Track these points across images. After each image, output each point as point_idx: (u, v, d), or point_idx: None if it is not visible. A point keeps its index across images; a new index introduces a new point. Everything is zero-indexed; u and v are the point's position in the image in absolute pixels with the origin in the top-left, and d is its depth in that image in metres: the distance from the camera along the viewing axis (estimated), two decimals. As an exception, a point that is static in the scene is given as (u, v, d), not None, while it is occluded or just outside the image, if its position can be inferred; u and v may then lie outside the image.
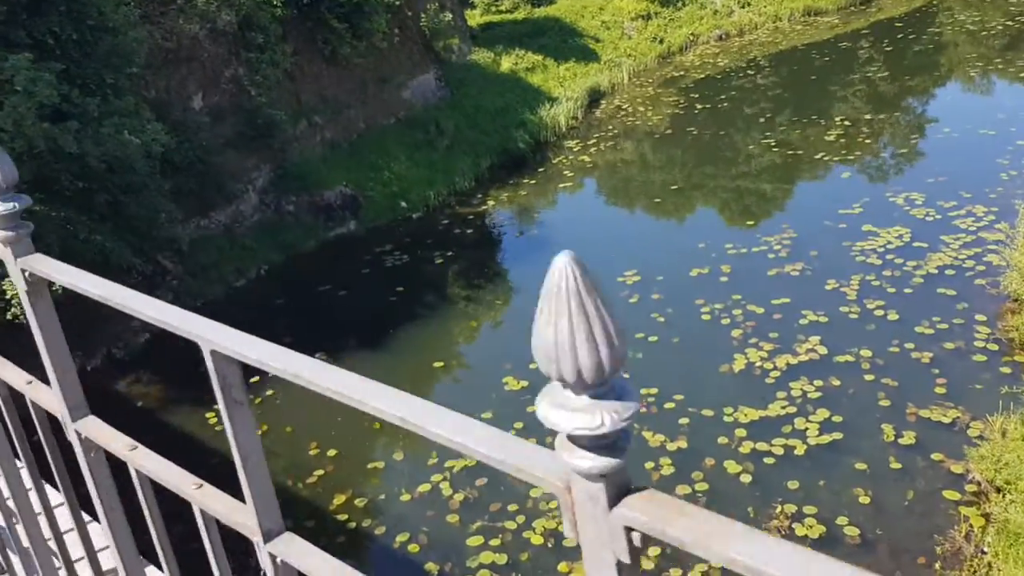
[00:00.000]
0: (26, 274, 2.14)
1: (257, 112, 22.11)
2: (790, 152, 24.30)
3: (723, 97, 29.81)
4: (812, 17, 39.66)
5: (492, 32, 34.71)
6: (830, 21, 38.89)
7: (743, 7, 40.32)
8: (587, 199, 24.02)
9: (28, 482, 2.80)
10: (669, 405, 13.78)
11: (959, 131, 23.73)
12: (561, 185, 24.35)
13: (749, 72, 32.41)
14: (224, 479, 2.10)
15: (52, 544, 2.83)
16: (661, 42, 36.66)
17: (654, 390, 14.17)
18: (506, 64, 31.75)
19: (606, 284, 17.88)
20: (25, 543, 2.91)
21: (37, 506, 2.80)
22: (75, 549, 2.77)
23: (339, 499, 12.86)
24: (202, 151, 20.61)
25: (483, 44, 32.92)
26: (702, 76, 32.68)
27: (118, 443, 2.22)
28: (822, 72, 31.16)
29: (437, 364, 16.01)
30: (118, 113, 16.35)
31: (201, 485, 2.00)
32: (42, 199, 14.74)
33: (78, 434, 2.30)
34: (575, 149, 26.66)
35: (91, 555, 2.68)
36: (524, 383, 14.91)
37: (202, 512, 1.96)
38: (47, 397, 2.42)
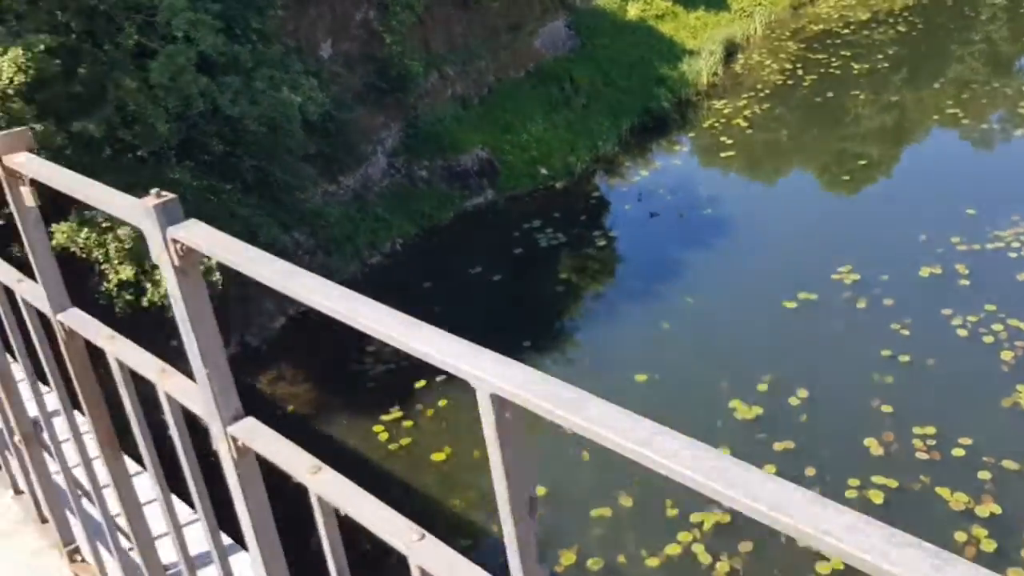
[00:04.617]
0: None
1: (389, 62, 19.46)
2: (992, 127, 21.28)
3: (879, 56, 26.62)
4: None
5: (611, -26, 31.47)
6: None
7: (875, -47, 36.75)
8: (755, 172, 21.21)
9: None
10: (957, 452, 11.24)
11: None
12: (722, 154, 21.52)
13: (898, 28, 29.10)
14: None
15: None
16: (790, -10, 33.35)
17: (931, 429, 11.62)
18: (633, 10, 28.64)
19: (817, 282, 15.27)
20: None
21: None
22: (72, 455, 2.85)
23: (567, 558, 10.55)
24: (332, 106, 18.04)
25: (605, -13, 29.78)
26: (846, 30, 29.38)
27: (98, 332, 2.30)
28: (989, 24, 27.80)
29: (639, 378, 13.55)
30: (266, 64, 13.80)
31: (164, 369, 2.06)
32: (191, 167, 12.33)
33: (61, 325, 2.39)
34: (725, 111, 23.74)
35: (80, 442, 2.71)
36: (757, 410, 12.44)
37: (167, 396, 1.99)
38: (33, 292, 2.50)
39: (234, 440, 1.73)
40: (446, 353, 1.25)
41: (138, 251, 11.08)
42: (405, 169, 19.96)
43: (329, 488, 1.58)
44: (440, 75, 21.35)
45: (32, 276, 2.46)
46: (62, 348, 2.51)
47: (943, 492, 10.65)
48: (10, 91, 10.07)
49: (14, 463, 3.28)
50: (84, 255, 10.83)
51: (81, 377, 2.42)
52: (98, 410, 2.49)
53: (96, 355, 2.39)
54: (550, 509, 11.26)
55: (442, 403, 13.48)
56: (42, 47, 9.86)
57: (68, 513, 3.00)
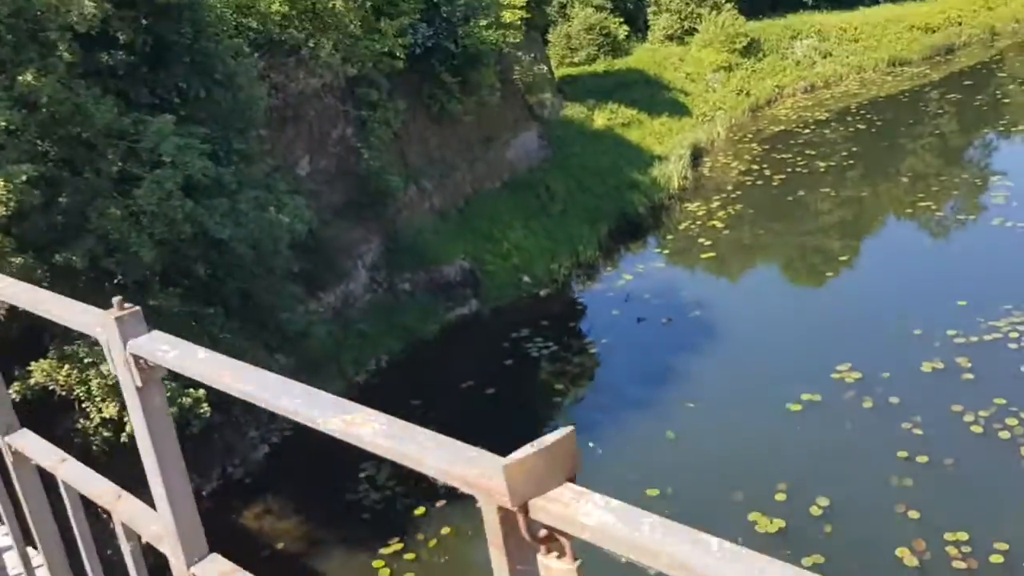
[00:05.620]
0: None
1: (368, 177, 19.29)
2: (957, 216, 21.58)
3: (843, 153, 27.24)
4: (898, 67, 37.57)
5: (575, 85, 32.20)
6: (918, 71, 36.77)
7: (824, 58, 38.26)
8: (736, 272, 21.16)
9: None
10: (995, 558, 10.73)
11: None
12: (701, 256, 21.48)
13: (857, 125, 29.96)
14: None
15: None
16: (748, 95, 34.37)
17: (963, 534, 11.12)
18: (600, 120, 29.17)
19: (818, 382, 14.94)
20: None
21: None
22: None
23: None
24: (312, 223, 17.70)
25: (570, 98, 30.41)
26: (806, 130, 30.16)
27: (48, 457, 2.19)
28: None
29: (651, 492, 12.95)
30: (249, 184, 13.47)
31: (120, 496, 2.01)
32: (178, 294, 11.77)
33: (9, 447, 2.26)
34: (699, 213, 23.89)
35: None
36: (779, 523, 11.87)
37: (123, 526, 1.93)
38: None
39: None
40: None
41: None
42: (387, 283, 19.57)
43: None
44: (418, 188, 21.24)
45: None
46: (12, 476, 2.36)
47: (988, 603, 10.09)
48: (-12, 224, 9.55)
49: None
50: (64, 392, 10.12)
51: (36, 509, 2.30)
52: (53, 543, 2.36)
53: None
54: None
55: (445, 531, 12.69)
56: (24, 178, 9.43)
57: None
